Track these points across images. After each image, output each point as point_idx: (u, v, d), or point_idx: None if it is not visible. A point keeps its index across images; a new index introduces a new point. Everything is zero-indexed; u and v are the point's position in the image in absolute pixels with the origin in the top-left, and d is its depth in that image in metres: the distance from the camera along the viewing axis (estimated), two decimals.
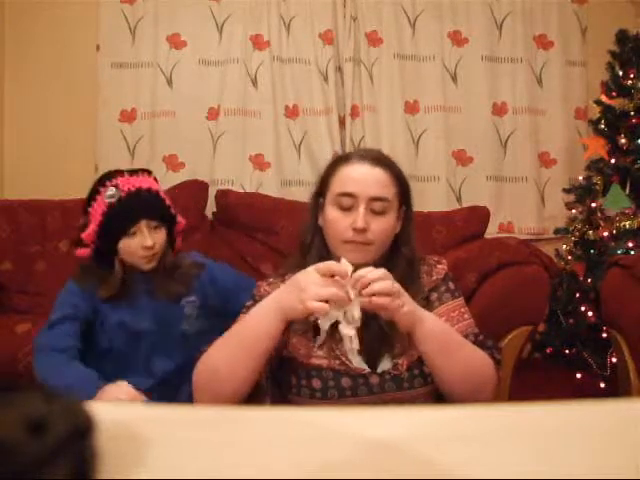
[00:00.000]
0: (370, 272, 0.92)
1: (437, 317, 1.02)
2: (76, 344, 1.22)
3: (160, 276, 1.33)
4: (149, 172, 1.34)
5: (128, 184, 1.27)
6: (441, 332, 0.99)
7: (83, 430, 0.34)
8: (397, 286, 0.93)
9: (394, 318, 0.93)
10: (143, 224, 1.26)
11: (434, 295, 1.11)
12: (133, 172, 1.30)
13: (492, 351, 1.06)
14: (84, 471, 0.34)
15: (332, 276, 0.93)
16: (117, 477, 0.36)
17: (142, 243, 1.26)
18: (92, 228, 1.26)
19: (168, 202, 1.33)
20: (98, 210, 1.25)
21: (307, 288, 0.90)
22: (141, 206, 1.27)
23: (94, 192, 1.28)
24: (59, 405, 0.34)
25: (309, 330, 1.05)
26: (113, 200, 1.24)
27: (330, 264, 0.94)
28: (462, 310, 1.12)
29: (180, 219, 1.38)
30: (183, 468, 0.38)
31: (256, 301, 1.12)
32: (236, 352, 0.97)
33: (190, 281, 1.37)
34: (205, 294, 1.39)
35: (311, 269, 0.94)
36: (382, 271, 0.93)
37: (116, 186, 1.25)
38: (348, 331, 0.93)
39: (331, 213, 1.09)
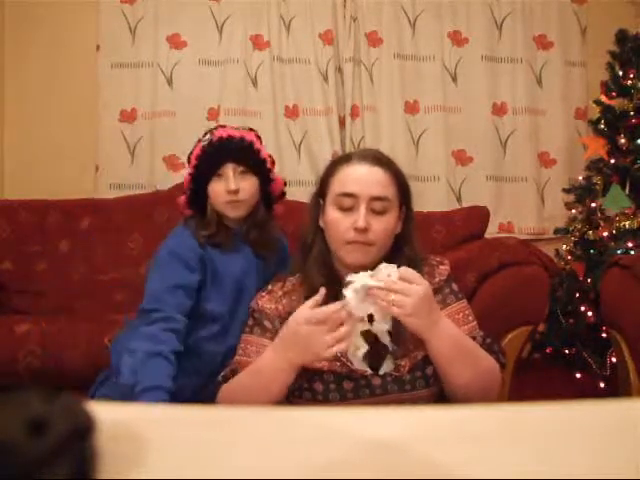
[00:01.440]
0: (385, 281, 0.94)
1: (453, 325, 1.02)
2: (182, 326, 1.21)
3: (249, 227, 1.37)
4: (252, 129, 1.42)
5: (222, 132, 1.36)
6: (455, 341, 1.00)
7: (83, 430, 0.34)
8: (415, 294, 0.93)
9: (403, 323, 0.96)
10: (229, 167, 1.31)
11: (438, 297, 1.11)
12: (237, 128, 1.40)
13: (498, 355, 1.07)
14: (84, 471, 0.34)
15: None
16: (117, 477, 0.36)
17: (226, 187, 1.30)
18: (188, 172, 1.37)
19: (264, 157, 1.37)
20: (195, 154, 1.35)
21: (313, 344, 0.92)
22: (229, 150, 1.33)
23: (197, 142, 1.38)
24: (59, 405, 0.34)
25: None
26: (206, 143, 1.34)
27: (317, 313, 0.93)
28: (466, 312, 1.12)
29: (278, 178, 1.41)
30: (183, 468, 0.38)
31: (256, 319, 1.13)
32: (254, 393, 1.00)
33: (276, 246, 1.42)
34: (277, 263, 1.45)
35: (301, 321, 0.94)
36: (391, 281, 0.95)
37: (212, 133, 1.36)
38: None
39: (332, 214, 1.08)
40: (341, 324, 0.92)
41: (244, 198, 1.32)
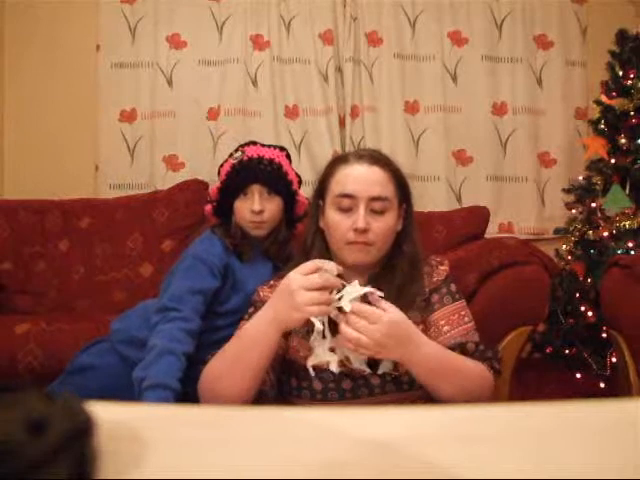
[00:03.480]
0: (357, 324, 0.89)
1: (434, 345, 0.98)
2: (197, 328, 1.24)
3: (272, 244, 1.40)
4: (283, 149, 1.44)
5: (254, 151, 1.38)
6: (434, 363, 0.96)
7: (83, 430, 0.34)
8: (373, 334, 0.88)
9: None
10: (255, 188, 1.34)
11: (435, 297, 1.11)
12: (269, 146, 1.42)
13: (492, 362, 1.04)
14: (84, 471, 0.34)
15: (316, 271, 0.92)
16: (117, 477, 0.36)
17: (251, 206, 1.33)
18: (217, 185, 1.41)
19: (291, 178, 1.39)
20: (224, 170, 1.39)
21: (298, 293, 0.89)
22: (257, 172, 1.35)
23: (229, 156, 1.41)
24: (59, 405, 0.34)
25: (309, 332, 1.05)
26: (236, 161, 1.36)
27: (314, 262, 0.93)
28: (462, 313, 1.10)
29: (302, 199, 1.43)
30: (183, 468, 0.38)
31: (257, 307, 1.13)
32: (234, 363, 0.97)
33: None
34: None
35: (294, 273, 0.93)
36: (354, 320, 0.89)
37: (243, 151, 1.38)
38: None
39: (331, 215, 1.08)
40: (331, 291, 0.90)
41: (267, 218, 1.36)
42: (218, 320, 1.33)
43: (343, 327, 0.88)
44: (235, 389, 0.96)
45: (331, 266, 0.94)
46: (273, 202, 1.36)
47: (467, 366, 1.00)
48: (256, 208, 1.33)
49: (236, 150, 1.41)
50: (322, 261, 0.94)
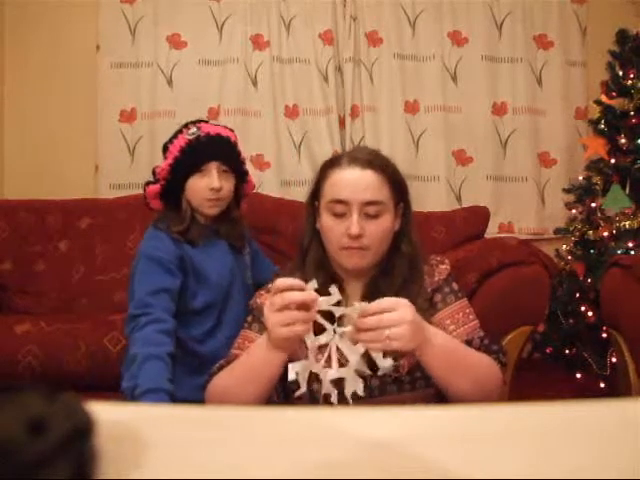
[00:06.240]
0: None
1: (444, 335, 0.98)
2: (172, 327, 1.21)
3: (224, 223, 1.38)
4: (232, 130, 1.42)
5: (209, 128, 1.35)
6: (448, 353, 0.95)
7: (83, 430, 0.34)
8: (403, 320, 0.84)
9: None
10: (214, 165, 1.31)
11: (438, 296, 1.10)
12: (216, 125, 1.40)
13: (498, 355, 1.05)
14: (84, 471, 0.34)
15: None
16: (117, 478, 0.36)
17: (209, 184, 1.30)
18: (167, 162, 1.33)
19: (242, 158, 1.40)
20: (177, 146, 1.32)
21: (267, 317, 0.88)
22: (216, 148, 1.32)
23: (177, 133, 1.36)
24: (59, 405, 0.34)
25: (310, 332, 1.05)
26: (192, 137, 1.31)
27: (280, 281, 0.88)
28: (467, 311, 1.10)
29: (251, 179, 1.44)
30: (183, 468, 0.38)
31: (255, 315, 1.13)
32: (244, 382, 0.98)
33: (245, 240, 1.47)
34: (251, 256, 1.49)
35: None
36: (377, 319, 0.84)
37: (198, 128, 1.33)
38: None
39: (325, 220, 1.07)
40: (304, 308, 0.85)
41: (223, 196, 1.34)
42: (195, 317, 1.32)
43: (362, 335, 0.83)
44: (247, 402, 0.97)
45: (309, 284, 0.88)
46: (229, 180, 1.35)
47: (477, 355, 1.01)
48: (216, 185, 1.30)
49: (186, 127, 1.36)
50: (293, 279, 0.89)
